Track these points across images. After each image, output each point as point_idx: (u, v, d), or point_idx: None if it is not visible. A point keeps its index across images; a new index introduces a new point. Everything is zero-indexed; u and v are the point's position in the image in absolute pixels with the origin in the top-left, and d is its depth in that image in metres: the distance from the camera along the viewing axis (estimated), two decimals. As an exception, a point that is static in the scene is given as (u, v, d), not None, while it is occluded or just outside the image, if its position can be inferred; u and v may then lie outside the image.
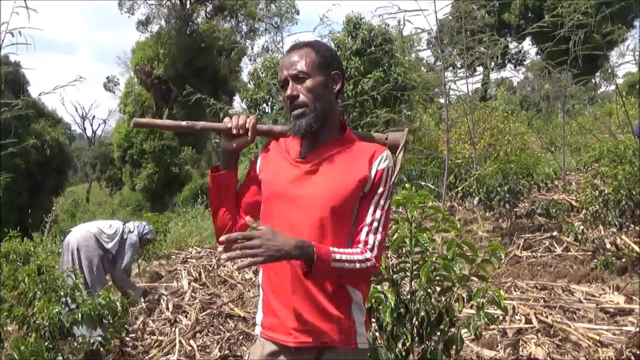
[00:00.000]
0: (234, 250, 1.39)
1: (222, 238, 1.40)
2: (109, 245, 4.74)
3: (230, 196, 1.68)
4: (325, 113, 1.59)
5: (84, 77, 4.69)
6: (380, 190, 1.57)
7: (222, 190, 1.67)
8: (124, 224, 4.95)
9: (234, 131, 1.62)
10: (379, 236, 1.55)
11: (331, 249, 1.47)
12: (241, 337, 4.13)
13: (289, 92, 1.58)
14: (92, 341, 3.43)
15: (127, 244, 4.81)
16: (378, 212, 1.56)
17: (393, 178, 1.62)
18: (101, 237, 4.74)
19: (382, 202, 1.57)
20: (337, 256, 1.47)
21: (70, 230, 4.92)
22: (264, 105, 10.45)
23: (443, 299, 2.24)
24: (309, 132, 1.57)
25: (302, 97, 1.57)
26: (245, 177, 1.74)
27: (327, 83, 1.60)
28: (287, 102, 1.60)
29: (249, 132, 1.63)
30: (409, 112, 11.26)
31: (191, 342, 4.11)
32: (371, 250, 1.53)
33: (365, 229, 1.55)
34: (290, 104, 1.59)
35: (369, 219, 1.55)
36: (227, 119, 1.63)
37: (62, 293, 3.38)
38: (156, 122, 1.68)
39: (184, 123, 1.70)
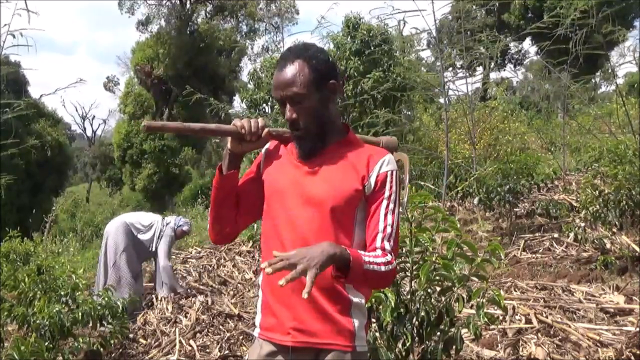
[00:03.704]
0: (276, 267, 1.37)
1: (265, 266, 1.38)
2: (141, 236, 4.96)
3: (233, 196, 1.69)
4: (326, 125, 1.59)
5: (84, 79, 4.75)
6: (387, 194, 1.55)
7: (227, 191, 1.67)
8: (163, 218, 5.14)
9: (247, 137, 1.61)
10: (392, 242, 1.54)
11: (359, 251, 1.47)
12: (241, 337, 4.13)
13: (287, 115, 1.57)
14: (92, 341, 3.44)
15: (163, 237, 4.98)
16: (390, 218, 1.55)
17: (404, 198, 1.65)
18: (134, 226, 4.96)
19: (391, 206, 1.55)
20: (366, 258, 1.46)
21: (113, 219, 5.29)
22: (264, 105, 10.47)
23: (443, 299, 2.24)
24: (315, 153, 1.58)
25: (301, 120, 1.56)
26: (244, 176, 1.73)
27: (324, 98, 1.57)
28: (287, 120, 1.60)
29: (261, 138, 1.63)
30: (409, 112, 11.26)
31: (191, 342, 4.11)
32: (390, 254, 1.53)
33: (380, 236, 1.53)
34: (290, 125, 1.59)
35: (381, 225, 1.54)
36: (238, 122, 1.62)
37: (62, 293, 3.39)
38: (169, 124, 1.67)
39: (197, 126, 1.67)
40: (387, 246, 1.53)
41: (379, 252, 1.52)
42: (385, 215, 1.54)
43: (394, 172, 1.57)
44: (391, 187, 1.56)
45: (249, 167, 1.77)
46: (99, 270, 4.90)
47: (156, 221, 5.04)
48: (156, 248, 4.97)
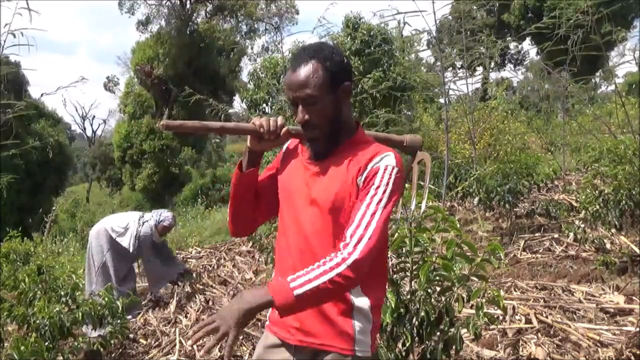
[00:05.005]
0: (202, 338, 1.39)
1: (190, 342, 1.40)
2: (120, 239, 4.86)
3: (251, 193, 1.71)
4: (339, 127, 1.57)
5: (85, 77, 4.72)
6: (374, 186, 1.47)
7: (246, 188, 1.69)
8: (141, 216, 5.00)
9: (266, 136, 1.61)
10: (361, 231, 1.42)
11: (289, 278, 1.39)
12: (241, 337, 4.12)
13: (299, 116, 1.54)
14: (92, 341, 3.44)
15: (141, 237, 4.86)
16: (371, 207, 1.45)
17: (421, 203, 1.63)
18: (113, 230, 4.89)
19: (376, 198, 1.46)
20: (298, 281, 1.37)
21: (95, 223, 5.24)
22: (264, 105, 10.48)
23: (443, 299, 2.24)
24: (326, 154, 1.57)
25: (314, 122, 1.54)
26: (265, 171, 1.75)
27: (337, 100, 1.55)
28: (299, 122, 1.58)
29: (280, 137, 1.63)
30: (409, 112, 11.26)
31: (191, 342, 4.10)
32: (345, 246, 1.41)
33: (351, 227, 1.44)
34: (302, 127, 1.57)
35: (357, 215, 1.45)
36: (257, 121, 1.62)
37: (62, 293, 3.39)
38: (187, 123, 1.66)
39: (216, 125, 1.67)
40: (349, 234, 1.43)
41: (333, 254, 1.42)
42: (367, 205, 1.45)
43: (389, 168, 1.49)
44: (381, 180, 1.48)
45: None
46: (85, 276, 4.87)
47: (133, 221, 4.91)
48: (134, 249, 4.85)
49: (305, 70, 1.51)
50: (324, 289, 1.37)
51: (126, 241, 4.84)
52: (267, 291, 1.37)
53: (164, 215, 5.04)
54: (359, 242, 1.41)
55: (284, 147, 1.74)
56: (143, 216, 5.01)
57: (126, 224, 4.90)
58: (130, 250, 4.85)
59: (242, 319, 1.35)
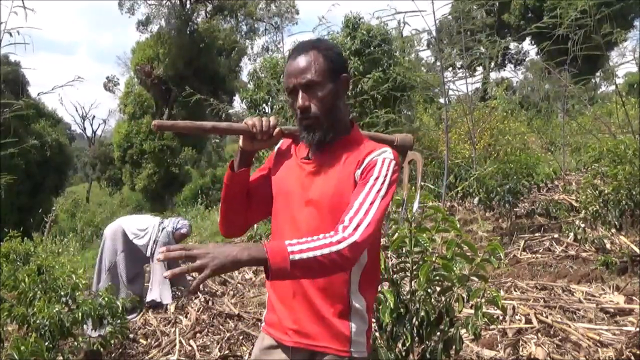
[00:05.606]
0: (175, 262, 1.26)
1: (160, 256, 1.25)
2: (137, 241, 4.91)
3: (243, 193, 1.70)
4: (336, 119, 1.57)
5: (82, 77, 4.73)
6: (373, 177, 1.47)
7: (238, 187, 1.69)
8: (161, 222, 5.07)
9: (259, 136, 1.60)
10: (360, 216, 1.40)
11: (286, 242, 1.34)
12: (241, 337, 4.13)
13: (300, 102, 1.52)
14: (92, 341, 3.44)
15: (158, 243, 4.91)
16: (371, 196, 1.44)
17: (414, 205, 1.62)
18: (130, 231, 4.92)
19: (375, 187, 1.45)
20: (297, 247, 1.32)
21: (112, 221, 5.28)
22: (264, 105, 10.47)
23: (443, 299, 2.24)
24: (322, 144, 1.56)
25: (314, 109, 1.53)
26: (257, 172, 1.75)
27: (336, 90, 1.55)
28: (297, 111, 1.55)
29: (272, 137, 1.63)
30: (409, 112, 11.25)
31: (191, 342, 4.11)
32: (345, 228, 1.38)
33: (350, 212, 1.42)
34: (301, 114, 1.55)
35: (356, 202, 1.43)
36: (249, 121, 1.61)
37: (62, 293, 3.39)
38: (179, 123, 1.66)
39: (208, 125, 1.66)
40: (347, 219, 1.40)
41: (333, 232, 1.38)
42: (366, 195, 1.44)
43: (387, 161, 1.50)
44: (380, 171, 1.48)
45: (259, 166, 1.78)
46: (94, 273, 4.91)
47: (152, 226, 4.97)
48: (152, 253, 4.90)
49: (306, 58, 1.53)
50: (320, 262, 1.33)
51: (144, 244, 4.90)
52: (264, 249, 1.30)
53: (182, 223, 5.15)
54: (358, 225, 1.39)
55: (276, 148, 1.74)
56: (162, 222, 5.09)
57: (146, 228, 4.96)
58: (147, 254, 4.91)
59: (225, 265, 1.26)
